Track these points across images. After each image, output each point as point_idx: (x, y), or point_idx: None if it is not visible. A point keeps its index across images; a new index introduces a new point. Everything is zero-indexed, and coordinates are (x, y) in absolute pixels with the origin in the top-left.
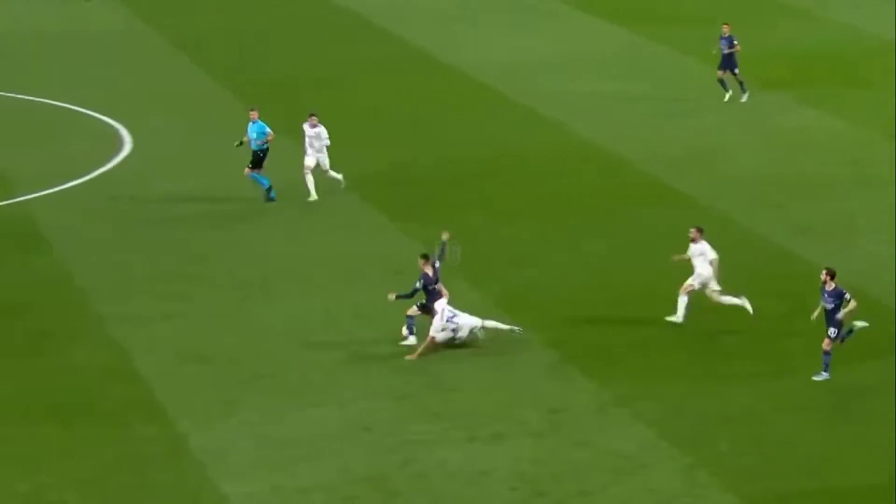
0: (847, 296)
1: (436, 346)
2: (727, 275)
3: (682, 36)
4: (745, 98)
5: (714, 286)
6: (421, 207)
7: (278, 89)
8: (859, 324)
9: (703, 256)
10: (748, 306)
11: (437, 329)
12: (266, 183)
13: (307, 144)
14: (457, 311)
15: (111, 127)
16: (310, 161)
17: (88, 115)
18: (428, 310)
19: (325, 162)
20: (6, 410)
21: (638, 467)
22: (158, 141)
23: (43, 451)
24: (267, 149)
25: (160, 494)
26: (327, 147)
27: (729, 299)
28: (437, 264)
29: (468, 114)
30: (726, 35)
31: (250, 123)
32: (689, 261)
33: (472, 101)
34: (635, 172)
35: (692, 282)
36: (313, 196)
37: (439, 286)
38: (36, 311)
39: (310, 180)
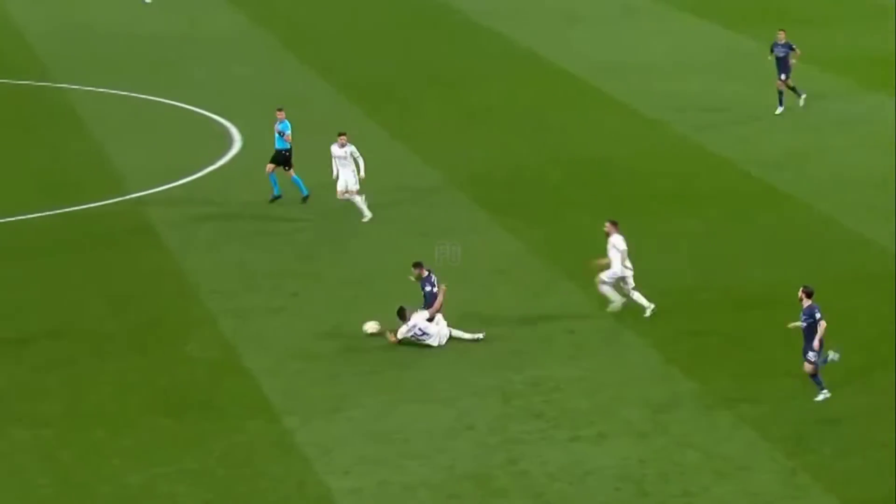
0: (818, 315)
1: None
2: (831, 275)
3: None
4: (780, 110)
5: (630, 282)
6: (528, 207)
7: (389, 89)
8: (832, 355)
9: (615, 249)
10: (647, 305)
11: (402, 334)
12: (303, 188)
13: (338, 165)
14: (429, 331)
15: (222, 126)
16: (349, 182)
17: (200, 113)
18: (403, 314)
19: (353, 183)
20: (119, 404)
21: (739, 469)
22: (267, 140)
23: (155, 444)
24: (290, 148)
25: (267, 488)
26: (360, 166)
27: (638, 296)
28: (431, 273)
29: (575, 115)
30: (782, 42)
31: (277, 123)
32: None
33: (579, 102)
34: (739, 173)
35: (604, 277)
36: (367, 216)
37: (434, 291)
38: (148, 305)
39: (358, 200)
